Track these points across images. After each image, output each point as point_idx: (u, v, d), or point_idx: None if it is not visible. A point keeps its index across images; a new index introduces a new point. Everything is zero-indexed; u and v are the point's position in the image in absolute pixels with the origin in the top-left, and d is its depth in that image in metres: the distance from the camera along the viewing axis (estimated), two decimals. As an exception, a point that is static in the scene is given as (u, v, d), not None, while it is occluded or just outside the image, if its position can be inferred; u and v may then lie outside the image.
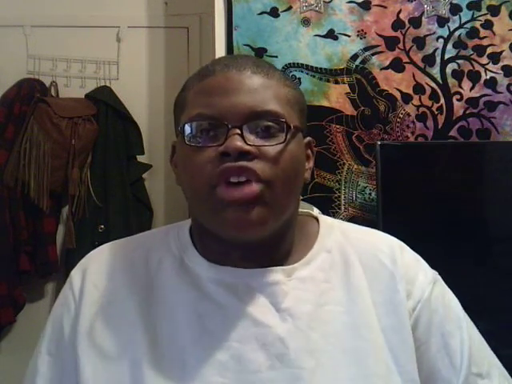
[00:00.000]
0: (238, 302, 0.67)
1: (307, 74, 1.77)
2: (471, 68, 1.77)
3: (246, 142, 0.63)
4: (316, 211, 0.87)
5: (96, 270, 0.73)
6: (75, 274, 0.75)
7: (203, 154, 0.65)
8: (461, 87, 1.77)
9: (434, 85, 1.77)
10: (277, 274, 0.69)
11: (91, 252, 0.77)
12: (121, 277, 0.72)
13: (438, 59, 1.77)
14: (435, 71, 1.77)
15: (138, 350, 0.66)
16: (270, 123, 0.66)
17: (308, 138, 0.76)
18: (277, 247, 0.71)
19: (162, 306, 0.69)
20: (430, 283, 0.73)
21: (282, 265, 0.70)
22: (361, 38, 1.77)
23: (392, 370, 0.66)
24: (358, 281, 0.71)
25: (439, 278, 0.76)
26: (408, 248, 0.77)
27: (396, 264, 0.72)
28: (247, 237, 0.66)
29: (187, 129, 0.66)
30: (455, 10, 1.78)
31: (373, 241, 0.76)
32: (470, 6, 1.78)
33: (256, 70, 0.68)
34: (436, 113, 1.77)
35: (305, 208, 0.81)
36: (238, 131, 0.63)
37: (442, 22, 1.78)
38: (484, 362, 0.72)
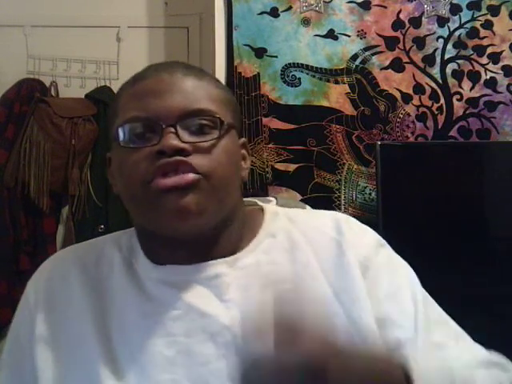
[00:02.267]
0: (182, 297, 0.67)
1: (307, 74, 1.76)
2: (471, 68, 1.77)
3: (180, 139, 0.64)
4: (274, 203, 0.86)
5: (49, 276, 0.74)
6: (30, 284, 0.75)
7: (138, 155, 0.65)
8: (461, 87, 1.77)
9: (434, 85, 1.77)
10: (218, 266, 0.69)
11: (49, 257, 0.78)
12: (74, 280, 0.72)
13: (438, 59, 1.77)
14: (435, 71, 1.77)
15: (92, 349, 0.67)
16: (203, 121, 0.67)
17: (243, 139, 0.76)
18: (219, 243, 0.70)
19: (113, 308, 0.69)
20: (377, 245, 0.74)
21: (226, 256, 0.70)
22: (361, 38, 1.77)
23: (350, 333, 0.66)
24: (303, 256, 0.71)
25: (386, 244, 0.76)
26: (354, 220, 0.77)
27: (342, 233, 0.73)
28: (186, 227, 0.65)
29: (121, 132, 0.67)
30: (455, 9, 1.78)
31: (318, 218, 0.77)
32: (469, 6, 1.78)
33: (187, 72, 0.70)
34: (436, 113, 1.77)
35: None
36: (173, 130, 0.64)
37: (442, 21, 1.78)
38: (438, 318, 0.72)
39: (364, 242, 0.73)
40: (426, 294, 0.74)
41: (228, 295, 0.67)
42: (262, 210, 0.78)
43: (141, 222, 0.70)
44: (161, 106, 0.66)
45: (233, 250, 0.71)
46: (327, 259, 0.71)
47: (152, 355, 0.65)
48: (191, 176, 0.63)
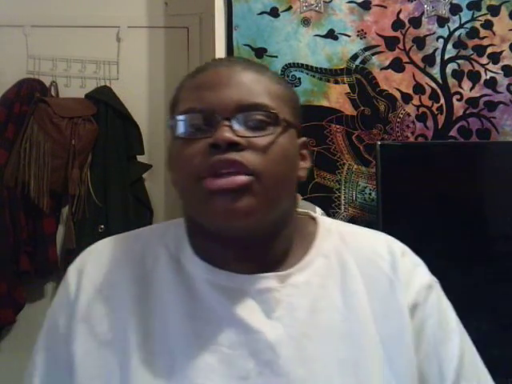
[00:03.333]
0: (231, 306, 0.66)
1: (307, 74, 1.77)
2: (471, 68, 1.77)
3: (235, 133, 0.63)
4: (319, 211, 0.85)
5: (93, 264, 0.73)
6: (72, 269, 0.74)
7: (193, 147, 0.64)
8: (461, 87, 1.77)
9: (434, 85, 1.77)
10: (270, 280, 0.68)
11: (89, 247, 0.76)
12: (118, 271, 0.71)
13: (438, 59, 1.77)
14: (435, 71, 1.77)
15: (129, 341, 0.66)
16: (260, 116, 0.65)
17: (303, 138, 0.74)
18: (271, 247, 0.70)
19: (156, 303, 0.68)
20: (426, 289, 0.71)
21: (277, 268, 0.69)
22: (361, 38, 1.77)
23: (389, 381, 0.65)
24: (355, 287, 0.69)
25: (437, 285, 0.74)
26: (410, 252, 0.75)
27: (396, 271, 0.71)
28: (234, 227, 0.64)
29: (178, 123, 0.67)
30: (455, 9, 1.78)
31: (372, 246, 0.74)
32: (469, 6, 1.78)
33: (246, 66, 0.69)
34: (436, 113, 1.77)
35: (307, 208, 0.79)
36: (228, 123, 0.63)
37: (442, 21, 1.78)
38: (473, 376, 0.70)
39: (416, 283, 0.71)
40: (470, 342, 0.73)
41: (276, 312, 0.66)
42: (313, 219, 0.77)
43: (191, 214, 0.70)
44: (217, 99, 0.65)
45: (283, 259, 0.70)
46: (379, 299, 0.69)
47: (192, 358, 0.64)
48: (243, 178, 0.62)
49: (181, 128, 0.67)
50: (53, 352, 0.70)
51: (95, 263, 0.73)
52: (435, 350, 0.68)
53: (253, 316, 0.66)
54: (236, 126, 0.64)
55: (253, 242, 0.68)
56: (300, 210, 0.76)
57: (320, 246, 0.72)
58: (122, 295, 0.69)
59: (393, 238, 0.76)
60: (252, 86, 0.67)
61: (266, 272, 0.68)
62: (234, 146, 0.62)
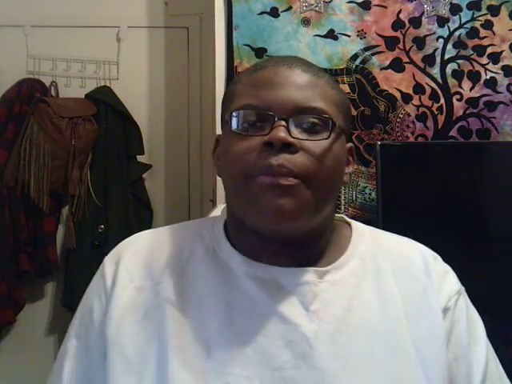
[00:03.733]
0: (268, 298, 0.67)
1: (307, 73, 1.76)
2: (471, 68, 1.77)
3: (290, 134, 0.64)
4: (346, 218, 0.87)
5: (130, 256, 0.73)
6: (108, 259, 0.75)
7: (247, 143, 0.65)
8: (461, 87, 1.77)
9: (434, 85, 1.77)
10: (309, 274, 0.68)
11: (127, 238, 0.78)
12: (153, 263, 0.72)
13: (438, 59, 1.77)
14: (435, 71, 1.77)
15: (166, 329, 0.67)
16: (315, 120, 0.66)
17: (350, 144, 0.75)
18: (312, 246, 0.71)
19: (192, 294, 0.69)
20: (456, 294, 0.73)
21: (315, 265, 0.70)
22: (361, 38, 1.77)
23: (420, 381, 0.66)
24: (390, 289, 0.70)
25: (464, 292, 0.76)
26: (440, 259, 0.77)
27: (430, 277, 0.72)
28: (280, 227, 0.65)
29: (235, 117, 0.67)
30: (455, 9, 1.78)
31: (405, 252, 0.76)
32: (469, 6, 1.78)
33: (306, 68, 0.69)
34: (436, 113, 1.77)
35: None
36: (284, 123, 0.64)
37: (442, 21, 1.78)
38: (498, 382, 0.72)
39: (446, 288, 0.73)
40: (492, 351, 0.74)
41: (313, 306, 0.67)
42: (348, 224, 0.78)
43: (237, 211, 0.70)
44: (275, 98, 0.66)
45: (320, 258, 0.71)
46: (413, 303, 0.70)
47: (227, 347, 0.65)
48: (293, 181, 0.63)
49: (236, 123, 0.67)
50: (85, 339, 0.71)
51: (132, 254, 0.74)
52: (464, 352, 0.70)
53: (290, 308, 0.66)
54: (292, 128, 0.64)
55: (293, 240, 0.69)
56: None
57: (355, 248, 0.74)
58: (155, 289, 0.70)
59: (423, 245, 0.78)
60: (310, 89, 0.67)
61: (305, 266, 0.69)
62: (287, 147, 0.63)
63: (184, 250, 0.73)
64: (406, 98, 1.77)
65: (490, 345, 0.74)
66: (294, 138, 0.64)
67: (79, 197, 2.18)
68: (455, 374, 0.69)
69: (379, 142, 1.59)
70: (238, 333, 0.66)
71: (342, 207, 1.74)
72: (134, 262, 0.73)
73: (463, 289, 0.76)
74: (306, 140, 0.65)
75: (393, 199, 1.58)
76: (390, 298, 0.70)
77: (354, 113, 1.76)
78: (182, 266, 0.72)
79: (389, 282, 0.71)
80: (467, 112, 1.77)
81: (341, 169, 0.70)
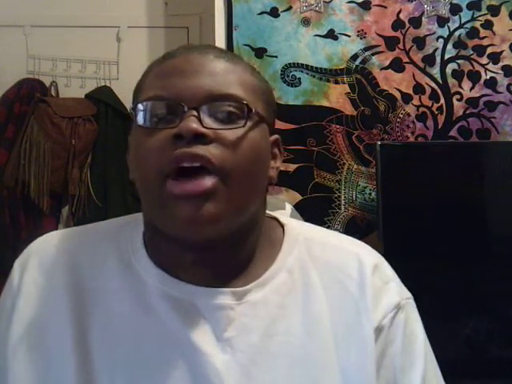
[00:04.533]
0: (180, 321, 0.60)
1: (307, 74, 1.76)
2: (471, 68, 1.77)
3: (202, 124, 0.57)
4: (288, 207, 0.79)
5: (35, 262, 0.67)
6: (16, 265, 0.69)
7: (155, 138, 0.58)
8: (461, 87, 1.77)
9: (434, 85, 1.77)
10: (225, 296, 0.61)
11: (37, 239, 0.71)
12: (60, 273, 0.65)
13: (438, 59, 1.77)
14: (435, 71, 1.77)
15: (66, 368, 0.60)
16: (230, 108, 0.60)
17: (276, 136, 0.68)
18: (234, 253, 0.64)
19: (98, 312, 0.62)
20: (394, 309, 0.65)
21: (237, 280, 0.63)
22: (361, 38, 1.77)
23: None
24: (318, 309, 0.63)
25: (408, 303, 0.67)
26: (382, 266, 0.68)
27: (364, 292, 0.64)
28: (197, 234, 0.59)
29: (141, 111, 0.60)
30: (455, 9, 1.78)
31: (341, 262, 0.67)
32: (469, 6, 1.78)
33: (219, 54, 0.64)
34: (436, 113, 1.77)
35: (276, 204, 0.73)
36: (195, 113, 0.57)
37: (442, 21, 1.78)
38: None
39: (383, 304, 0.65)
40: (436, 365, 0.67)
41: (227, 333, 0.60)
42: (282, 226, 0.70)
43: (151, 217, 0.64)
44: (185, 87, 0.59)
45: (247, 265, 0.64)
46: (343, 324, 0.63)
47: (132, 377, 0.59)
48: (208, 183, 0.57)
49: (142, 117, 0.60)
50: None
51: (37, 261, 0.67)
52: (395, 377, 0.63)
53: (202, 336, 0.60)
54: (204, 117, 0.58)
55: (215, 247, 0.62)
56: (269, 212, 0.70)
57: (284, 258, 0.66)
58: (58, 306, 0.63)
59: (366, 249, 0.70)
60: (224, 75, 0.61)
61: (224, 283, 0.63)
62: (200, 138, 0.57)
63: (96, 257, 0.66)
64: (406, 98, 1.77)
65: (431, 363, 0.66)
66: (206, 128, 0.57)
67: (79, 197, 2.18)
68: None
69: (379, 142, 1.60)
70: (143, 359, 0.60)
71: (342, 207, 1.74)
72: (37, 271, 0.66)
73: (407, 298, 0.67)
74: (221, 129, 0.58)
75: (393, 199, 1.58)
76: (318, 318, 0.62)
77: (354, 113, 1.76)
78: (92, 277, 0.64)
79: (318, 298, 0.63)
80: (467, 112, 1.77)
81: (262, 160, 0.63)
